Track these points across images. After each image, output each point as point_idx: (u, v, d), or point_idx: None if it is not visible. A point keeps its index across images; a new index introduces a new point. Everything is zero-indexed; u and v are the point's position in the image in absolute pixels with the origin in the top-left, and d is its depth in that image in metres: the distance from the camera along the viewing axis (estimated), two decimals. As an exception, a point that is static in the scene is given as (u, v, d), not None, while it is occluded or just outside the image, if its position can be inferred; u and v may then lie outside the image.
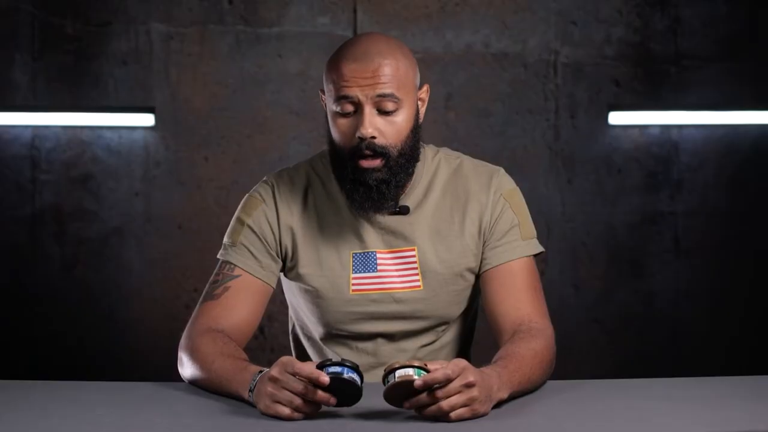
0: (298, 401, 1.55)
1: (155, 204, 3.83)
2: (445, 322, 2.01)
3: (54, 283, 3.80)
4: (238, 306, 1.92)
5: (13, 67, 3.78)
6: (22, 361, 3.79)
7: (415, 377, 1.53)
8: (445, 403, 1.53)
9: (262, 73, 3.85)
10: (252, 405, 1.64)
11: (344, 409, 1.60)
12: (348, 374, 1.54)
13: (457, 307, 2.02)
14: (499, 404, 1.64)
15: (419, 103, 1.94)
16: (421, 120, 1.95)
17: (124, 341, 3.82)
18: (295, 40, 3.84)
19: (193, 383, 1.84)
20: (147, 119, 3.78)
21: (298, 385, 1.54)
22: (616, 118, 3.89)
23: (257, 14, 3.85)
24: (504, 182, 2.02)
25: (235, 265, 1.96)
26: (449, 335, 2.04)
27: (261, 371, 1.64)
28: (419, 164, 1.96)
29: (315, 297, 1.98)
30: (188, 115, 3.83)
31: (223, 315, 1.90)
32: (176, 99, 3.82)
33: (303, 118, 3.85)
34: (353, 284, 1.95)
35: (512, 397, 1.69)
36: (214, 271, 1.98)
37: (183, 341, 1.90)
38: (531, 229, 2.01)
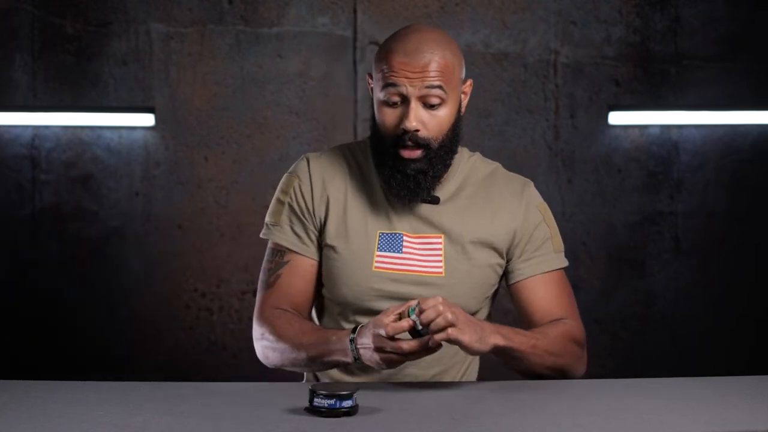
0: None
1: (155, 204, 3.83)
2: None
3: (54, 283, 3.80)
4: (292, 291, 2.02)
5: (13, 67, 3.78)
6: (22, 361, 3.79)
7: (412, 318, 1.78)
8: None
9: (261, 73, 3.85)
10: (354, 356, 1.83)
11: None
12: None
13: (474, 302, 2.03)
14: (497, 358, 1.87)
15: (462, 96, 1.99)
16: (462, 112, 2.00)
17: (124, 341, 3.82)
18: (295, 40, 3.84)
19: (283, 365, 1.97)
20: (147, 119, 3.78)
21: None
22: (616, 118, 3.89)
23: (257, 14, 3.85)
24: (535, 195, 2.10)
25: (284, 249, 2.03)
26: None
27: (353, 332, 1.84)
28: (456, 158, 2.02)
29: (338, 269, 2.01)
30: (188, 115, 3.83)
31: (283, 300, 2.01)
32: (176, 99, 3.83)
33: (303, 118, 3.85)
34: (377, 261, 1.99)
35: (520, 357, 1.87)
36: (266, 257, 2.07)
37: (258, 332, 2.01)
38: (560, 242, 2.09)
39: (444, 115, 1.93)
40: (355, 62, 3.84)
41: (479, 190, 2.05)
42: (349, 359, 1.84)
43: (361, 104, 3.84)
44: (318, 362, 1.92)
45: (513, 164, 3.91)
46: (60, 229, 3.81)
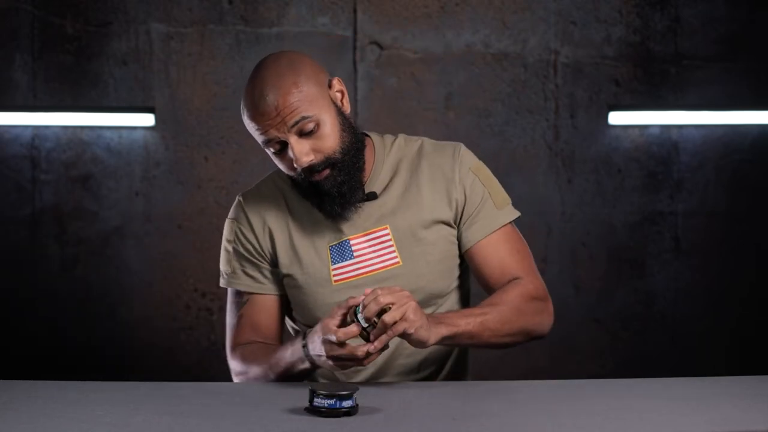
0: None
1: (155, 204, 3.83)
2: (436, 298, 2.02)
3: (54, 283, 3.80)
4: (256, 326, 2.05)
5: (13, 67, 3.78)
6: (22, 361, 3.79)
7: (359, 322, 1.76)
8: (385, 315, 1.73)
9: (262, 73, 3.84)
10: (310, 361, 1.83)
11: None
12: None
13: (443, 282, 2.02)
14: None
15: (338, 95, 1.97)
16: (347, 111, 1.98)
17: (124, 341, 3.82)
18: (295, 40, 3.84)
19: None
20: (147, 119, 3.78)
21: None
22: (616, 118, 3.89)
23: (257, 14, 3.85)
24: (468, 157, 2.07)
25: (240, 292, 2.06)
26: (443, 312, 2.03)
27: (304, 340, 1.85)
28: (378, 149, 2.04)
29: (301, 294, 2.02)
30: (188, 115, 3.83)
31: (248, 335, 2.04)
32: (176, 99, 3.83)
33: (303, 118, 3.84)
34: (334, 275, 2.00)
35: (472, 338, 1.86)
36: (228, 301, 2.09)
37: (231, 367, 2.04)
38: (503, 196, 2.05)
39: (326, 131, 1.91)
40: (355, 62, 3.84)
41: (412, 170, 2.04)
42: (308, 365, 1.86)
43: (361, 104, 3.84)
44: (286, 376, 1.92)
45: (513, 164, 3.94)
46: (60, 229, 3.81)
